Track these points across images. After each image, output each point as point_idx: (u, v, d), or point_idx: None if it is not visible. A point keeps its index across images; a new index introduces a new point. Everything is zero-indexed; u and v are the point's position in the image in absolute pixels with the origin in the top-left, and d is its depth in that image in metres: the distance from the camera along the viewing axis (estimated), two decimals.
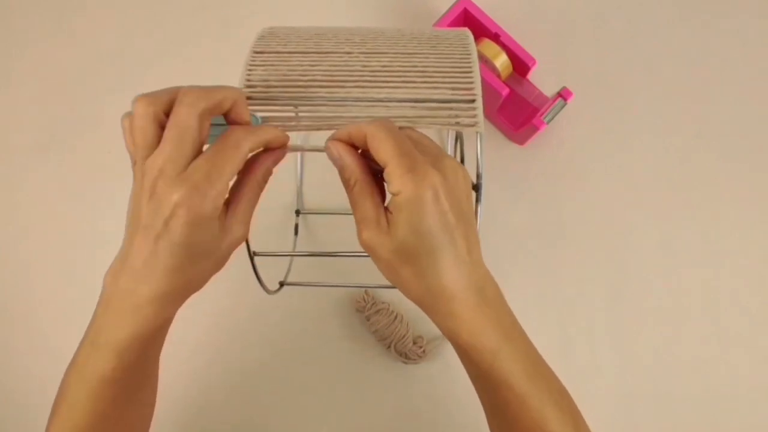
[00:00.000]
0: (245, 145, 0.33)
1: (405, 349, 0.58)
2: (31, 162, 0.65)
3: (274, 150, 0.36)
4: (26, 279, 0.63)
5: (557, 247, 0.62)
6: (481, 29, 0.58)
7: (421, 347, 0.59)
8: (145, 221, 0.33)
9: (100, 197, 0.64)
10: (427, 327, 0.60)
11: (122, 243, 0.35)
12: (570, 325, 0.61)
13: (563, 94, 0.56)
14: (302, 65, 0.38)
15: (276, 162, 0.37)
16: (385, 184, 0.36)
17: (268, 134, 0.35)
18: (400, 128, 0.35)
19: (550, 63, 0.62)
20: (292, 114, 0.37)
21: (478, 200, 0.38)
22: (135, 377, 0.38)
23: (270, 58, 0.39)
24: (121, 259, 0.35)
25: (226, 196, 0.34)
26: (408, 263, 0.34)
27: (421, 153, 0.33)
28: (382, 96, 0.37)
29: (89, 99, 0.65)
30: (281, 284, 0.51)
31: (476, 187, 0.38)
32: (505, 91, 0.55)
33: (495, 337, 0.35)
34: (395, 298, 0.60)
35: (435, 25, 0.58)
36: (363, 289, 0.60)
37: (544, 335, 0.60)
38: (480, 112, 0.36)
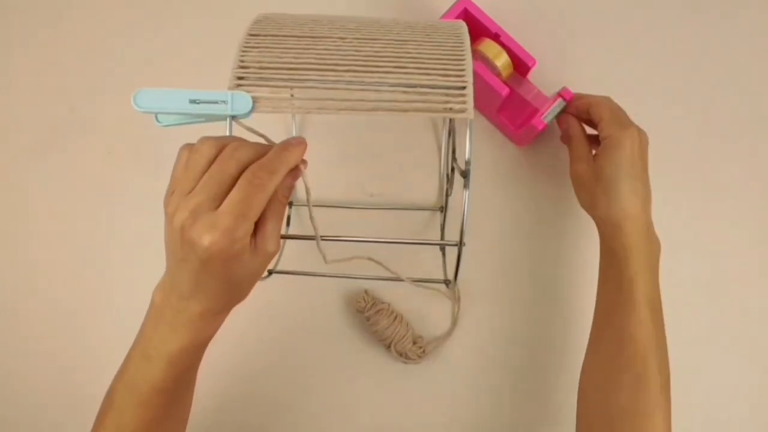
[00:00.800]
0: (270, 186, 0.35)
1: (405, 349, 0.58)
2: (31, 162, 0.65)
3: (297, 171, 0.38)
4: (26, 279, 0.63)
5: (557, 247, 0.62)
6: (481, 29, 0.58)
7: (421, 347, 0.59)
8: (182, 256, 0.35)
9: (100, 197, 0.64)
10: (428, 327, 0.60)
11: (166, 265, 0.38)
12: (570, 325, 0.61)
13: (563, 94, 0.56)
14: (296, 48, 0.39)
15: (295, 179, 0.38)
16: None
17: (290, 164, 0.36)
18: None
19: (550, 63, 0.62)
20: (284, 95, 0.37)
21: (466, 186, 0.38)
22: (182, 385, 0.42)
23: (265, 41, 0.39)
24: (170, 282, 0.38)
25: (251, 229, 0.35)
26: (602, 185, 0.49)
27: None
28: (373, 80, 0.37)
29: (89, 99, 0.65)
30: (270, 272, 0.51)
31: (464, 174, 0.38)
32: (506, 91, 0.55)
33: (641, 261, 0.47)
34: (395, 298, 0.60)
35: None
36: (363, 289, 0.60)
37: (545, 335, 0.60)
38: (470, 98, 0.36)
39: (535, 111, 0.56)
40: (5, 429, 0.61)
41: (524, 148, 0.63)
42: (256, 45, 0.39)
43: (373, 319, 0.58)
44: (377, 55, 0.38)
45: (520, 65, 0.58)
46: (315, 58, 0.38)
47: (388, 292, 0.60)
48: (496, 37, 0.57)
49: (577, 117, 0.55)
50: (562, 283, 0.61)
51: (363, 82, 0.37)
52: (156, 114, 0.37)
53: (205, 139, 0.36)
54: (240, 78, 0.37)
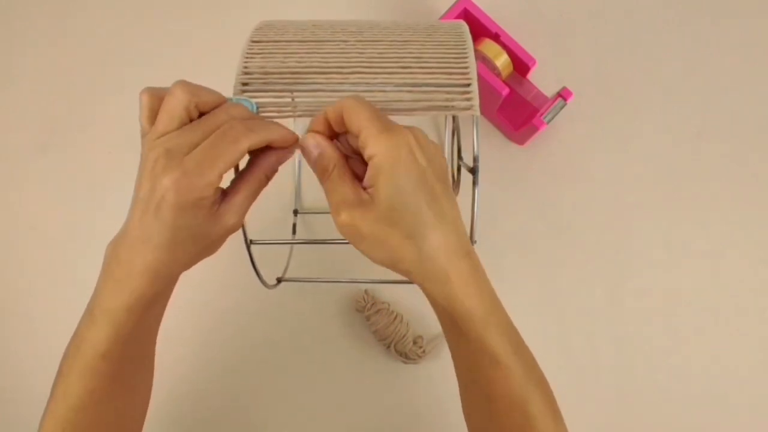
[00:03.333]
0: (244, 142, 0.34)
1: (405, 349, 0.58)
2: (31, 162, 0.65)
3: (281, 149, 0.37)
4: (26, 278, 0.63)
5: (557, 247, 0.62)
6: (481, 29, 0.58)
7: (421, 347, 0.59)
8: (142, 195, 0.34)
9: (100, 197, 0.64)
10: (428, 327, 0.60)
11: (127, 214, 0.37)
12: (570, 324, 0.61)
13: (563, 94, 0.56)
14: (299, 53, 0.39)
15: (281, 161, 0.37)
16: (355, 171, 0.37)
17: (272, 134, 0.35)
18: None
19: (550, 63, 0.62)
20: (289, 100, 0.37)
21: (475, 183, 0.38)
22: (128, 354, 0.39)
23: (267, 47, 0.39)
24: (122, 231, 0.36)
25: (218, 185, 0.34)
26: (395, 226, 0.33)
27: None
28: (378, 81, 0.37)
29: (89, 99, 0.65)
30: (279, 280, 0.51)
31: (473, 170, 0.38)
32: (506, 91, 0.55)
33: (484, 306, 0.35)
34: (395, 297, 0.60)
35: None
36: (363, 289, 0.60)
37: (545, 335, 0.60)
38: (475, 95, 0.36)
39: (535, 111, 0.56)
40: (6, 429, 0.61)
41: (524, 147, 0.63)
42: (259, 51, 0.39)
43: (373, 319, 0.58)
44: (381, 56, 0.38)
45: (520, 65, 0.58)
46: (318, 62, 0.38)
47: (388, 292, 0.60)
48: (496, 37, 0.57)
49: (331, 136, 0.36)
50: (562, 282, 0.61)
51: (368, 83, 0.37)
52: None
53: (179, 84, 0.35)
54: (244, 84, 0.38)
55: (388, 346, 0.59)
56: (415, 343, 0.59)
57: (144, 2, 0.67)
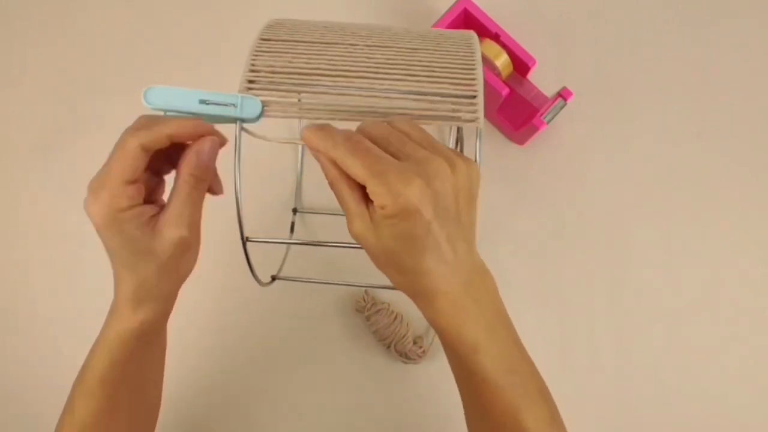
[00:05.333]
0: (131, 141, 0.34)
1: (405, 349, 0.58)
2: (31, 162, 0.65)
3: (200, 144, 0.35)
4: (26, 279, 0.63)
5: (557, 247, 0.62)
6: (481, 29, 0.58)
7: (421, 347, 0.59)
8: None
9: None
10: (428, 327, 0.60)
11: None
12: (570, 325, 0.61)
13: (563, 94, 0.56)
14: (307, 54, 0.38)
15: (203, 155, 0.35)
16: None
17: (166, 128, 0.34)
18: (390, 119, 0.35)
19: (550, 63, 0.62)
20: (295, 100, 0.37)
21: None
22: (127, 378, 0.40)
23: (276, 46, 0.39)
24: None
25: (127, 195, 0.34)
26: (391, 264, 0.34)
27: (408, 152, 0.33)
28: (384, 87, 0.37)
29: (89, 99, 0.65)
30: (273, 278, 0.51)
31: None
32: (505, 91, 0.55)
33: (474, 331, 0.35)
34: (395, 298, 0.60)
35: (435, 25, 0.58)
36: (363, 289, 0.60)
37: (545, 335, 0.60)
38: (481, 107, 0.36)
39: (535, 111, 0.56)
40: (6, 429, 0.61)
41: (524, 147, 0.63)
42: (268, 49, 0.39)
43: (372, 319, 0.58)
44: (388, 62, 0.38)
45: (520, 65, 0.58)
46: (326, 64, 0.38)
47: (388, 292, 0.60)
48: (496, 37, 0.57)
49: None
50: (562, 282, 0.61)
51: (374, 88, 0.37)
52: (165, 112, 0.37)
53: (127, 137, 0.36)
54: (250, 82, 0.37)
55: (388, 346, 0.59)
56: (415, 343, 0.59)
57: (144, 2, 0.67)
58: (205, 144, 0.35)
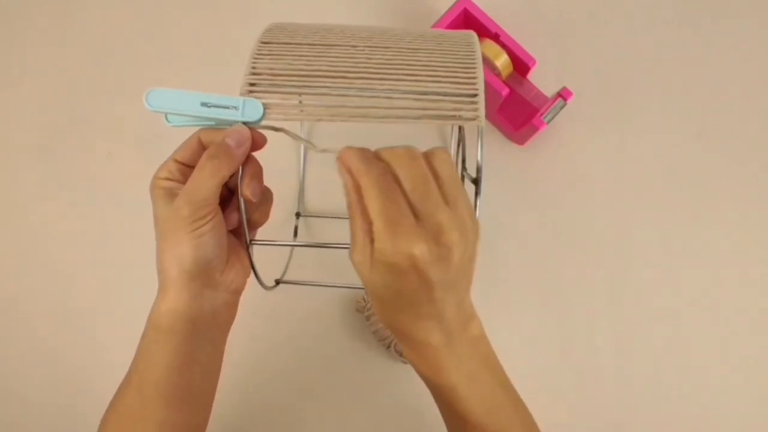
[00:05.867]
0: (194, 134, 0.39)
1: None
2: (31, 162, 0.65)
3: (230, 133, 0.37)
4: (26, 279, 0.63)
5: (557, 247, 0.62)
6: (481, 29, 0.58)
7: None
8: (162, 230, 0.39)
9: (100, 197, 0.64)
10: None
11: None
12: (570, 325, 0.61)
13: (563, 94, 0.56)
14: (308, 56, 0.39)
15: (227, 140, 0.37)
16: None
17: (224, 132, 0.37)
18: (429, 152, 0.34)
19: (550, 63, 0.62)
20: (296, 102, 0.37)
21: (477, 194, 0.38)
22: (188, 370, 0.40)
23: (276, 49, 0.39)
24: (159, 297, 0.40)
25: (171, 172, 0.39)
26: (379, 303, 0.36)
27: (428, 211, 0.32)
28: (385, 87, 0.37)
29: (89, 99, 0.65)
30: (277, 282, 0.51)
31: (476, 181, 0.38)
32: (505, 91, 0.55)
33: (454, 377, 0.37)
34: None
35: (435, 25, 0.58)
36: (363, 290, 0.60)
37: (545, 335, 0.60)
38: (482, 105, 0.36)
39: (535, 111, 0.56)
40: (6, 429, 0.61)
41: (524, 147, 0.63)
42: (268, 53, 0.39)
43: (372, 319, 0.58)
44: (389, 63, 0.38)
45: (520, 65, 0.58)
46: (326, 66, 0.38)
47: None
48: (495, 37, 0.57)
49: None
50: (562, 282, 0.61)
51: (374, 89, 0.37)
52: (166, 114, 0.38)
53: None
54: (252, 84, 0.38)
55: (388, 346, 0.59)
56: None
57: (145, 2, 0.67)
58: (235, 132, 0.37)
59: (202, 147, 0.39)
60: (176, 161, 0.39)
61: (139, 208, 0.62)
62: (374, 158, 0.34)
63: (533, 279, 0.61)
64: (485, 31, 0.58)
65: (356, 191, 0.33)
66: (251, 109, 0.37)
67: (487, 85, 0.56)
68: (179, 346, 0.39)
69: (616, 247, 0.62)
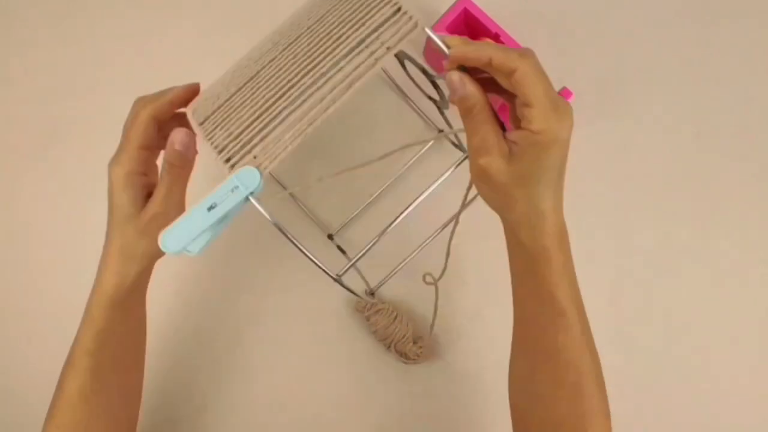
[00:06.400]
0: (143, 112, 0.40)
1: (405, 349, 0.58)
2: (31, 162, 0.65)
3: (173, 135, 0.38)
4: (26, 279, 0.63)
5: None
6: (481, 29, 0.58)
7: (421, 347, 0.59)
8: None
9: (99, 197, 0.64)
10: (427, 327, 0.60)
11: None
12: None
13: (563, 94, 0.56)
14: (246, 101, 0.38)
15: (174, 146, 0.38)
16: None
17: (168, 95, 0.41)
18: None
19: (550, 63, 0.62)
20: (272, 144, 0.36)
21: (443, 107, 0.39)
22: (111, 346, 0.44)
23: (217, 117, 0.39)
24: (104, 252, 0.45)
25: (143, 161, 0.41)
26: (523, 186, 0.37)
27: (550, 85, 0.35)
28: (325, 68, 0.36)
29: (89, 99, 0.65)
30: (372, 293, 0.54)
31: (440, 103, 0.40)
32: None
33: (559, 263, 0.39)
34: (395, 298, 0.61)
35: (435, 25, 0.58)
36: (363, 289, 0.60)
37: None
38: (413, 11, 0.35)
39: None
40: (7, 429, 0.61)
41: None
42: (213, 126, 0.38)
43: (372, 319, 0.58)
44: (309, 49, 0.37)
45: None
46: (264, 98, 0.37)
47: (388, 291, 0.60)
48: (496, 37, 0.57)
49: (483, 81, 0.37)
50: None
51: (319, 77, 0.36)
52: (185, 248, 0.36)
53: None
54: (228, 160, 0.36)
55: (388, 346, 0.59)
56: (415, 343, 0.59)
57: (145, 2, 0.67)
58: (177, 135, 0.38)
59: (155, 122, 0.40)
60: (138, 148, 0.40)
61: None
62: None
63: None
64: (485, 31, 0.58)
65: (482, 92, 0.35)
66: (248, 178, 0.35)
67: None
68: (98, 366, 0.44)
69: (616, 247, 0.62)
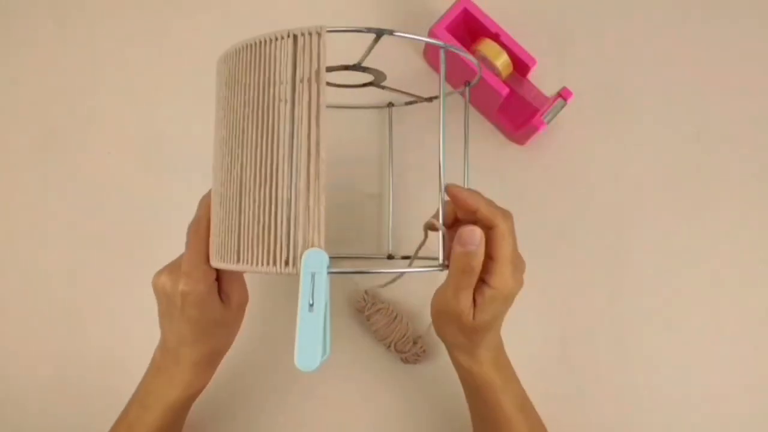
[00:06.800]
0: (202, 230, 0.41)
1: (405, 349, 0.58)
2: (31, 162, 0.65)
3: None
4: (26, 279, 0.63)
5: (557, 247, 0.62)
6: (481, 29, 0.58)
7: (421, 347, 0.59)
8: (162, 310, 0.43)
9: (99, 197, 0.64)
10: (428, 327, 0.60)
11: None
12: (570, 325, 0.61)
13: (563, 94, 0.56)
14: (251, 214, 0.37)
15: None
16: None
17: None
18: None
19: (550, 63, 0.62)
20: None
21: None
22: (172, 429, 0.47)
23: (242, 245, 0.38)
24: (162, 340, 0.45)
25: (211, 275, 0.42)
26: (479, 333, 0.43)
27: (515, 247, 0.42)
28: (288, 150, 0.36)
29: (89, 99, 0.65)
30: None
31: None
32: (505, 91, 0.55)
33: (497, 376, 0.46)
34: (395, 297, 0.61)
35: (435, 25, 0.58)
36: (363, 289, 0.60)
37: (545, 335, 0.60)
38: (307, 27, 0.36)
39: (535, 111, 0.56)
40: (7, 429, 0.61)
41: (524, 147, 0.63)
42: (250, 254, 0.37)
43: (372, 319, 0.58)
44: (258, 132, 0.37)
45: (520, 65, 0.58)
46: (262, 194, 0.37)
47: (388, 291, 0.60)
48: (496, 37, 0.57)
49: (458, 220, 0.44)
50: (561, 282, 0.61)
51: (289, 156, 0.36)
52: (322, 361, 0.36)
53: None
54: (287, 261, 0.36)
55: (388, 346, 0.59)
56: (415, 343, 0.59)
57: (145, 2, 0.67)
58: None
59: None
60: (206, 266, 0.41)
61: (138, 207, 0.63)
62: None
63: (533, 278, 0.61)
64: (485, 31, 0.58)
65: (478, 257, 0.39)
66: (314, 259, 0.35)
67: (486, 84, 0.56)
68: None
69: (616, 247, 0.62)
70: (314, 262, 0.35)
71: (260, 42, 0.37)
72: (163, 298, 0.43)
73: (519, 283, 0.41)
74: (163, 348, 0.45)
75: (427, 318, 0.60)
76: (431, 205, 0.44)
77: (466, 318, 0.41)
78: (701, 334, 0.60)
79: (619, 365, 0.60)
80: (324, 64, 0.35)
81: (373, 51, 0.41)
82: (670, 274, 0.61)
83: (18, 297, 0.63)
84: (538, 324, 0.61)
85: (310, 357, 0.35)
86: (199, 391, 0.47)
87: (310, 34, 0.36)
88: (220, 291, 0.43)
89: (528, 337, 0.61)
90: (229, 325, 0.46)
